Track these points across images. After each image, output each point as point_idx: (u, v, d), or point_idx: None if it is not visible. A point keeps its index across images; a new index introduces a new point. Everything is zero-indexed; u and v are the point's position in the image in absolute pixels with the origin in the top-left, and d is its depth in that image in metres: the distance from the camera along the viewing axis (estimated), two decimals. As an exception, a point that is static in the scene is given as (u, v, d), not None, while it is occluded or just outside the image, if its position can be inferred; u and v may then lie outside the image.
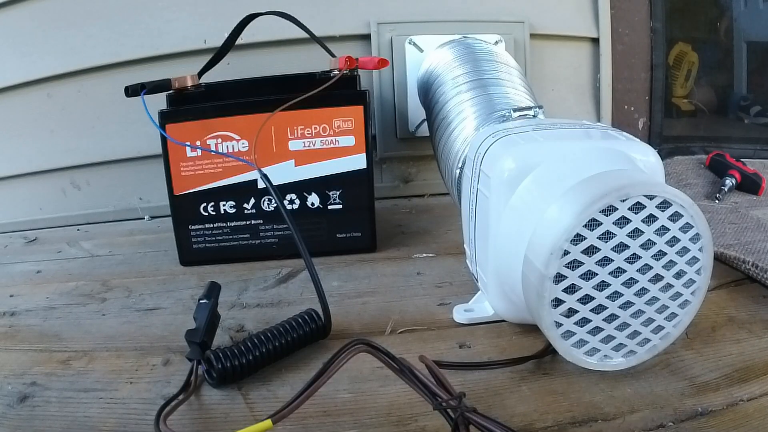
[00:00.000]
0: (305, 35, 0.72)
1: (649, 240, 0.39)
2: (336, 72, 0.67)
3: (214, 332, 0.49)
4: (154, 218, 0.93)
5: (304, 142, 0.67)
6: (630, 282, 0.40)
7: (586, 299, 0.40)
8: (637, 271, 0.40)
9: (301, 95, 0.63)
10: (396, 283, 0.62)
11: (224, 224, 0.69)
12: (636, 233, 0.39)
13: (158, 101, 0.66)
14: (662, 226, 0.39)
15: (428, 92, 0.80)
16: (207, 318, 0.48)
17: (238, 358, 0.44)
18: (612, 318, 0.41)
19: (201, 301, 0.50)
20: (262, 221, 0.69)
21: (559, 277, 0.39)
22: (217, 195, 0.68)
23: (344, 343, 0.39)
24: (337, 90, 0.66)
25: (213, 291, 0.52)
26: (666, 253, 0.40)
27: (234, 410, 0.42)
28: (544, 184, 0.44)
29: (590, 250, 0.39)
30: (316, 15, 0.88)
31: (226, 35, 0.73)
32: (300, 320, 0.49)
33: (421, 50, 0.90)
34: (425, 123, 0.88)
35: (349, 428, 0.39)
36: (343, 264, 0.68)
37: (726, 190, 0.85)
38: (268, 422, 0.35)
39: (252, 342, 0.46)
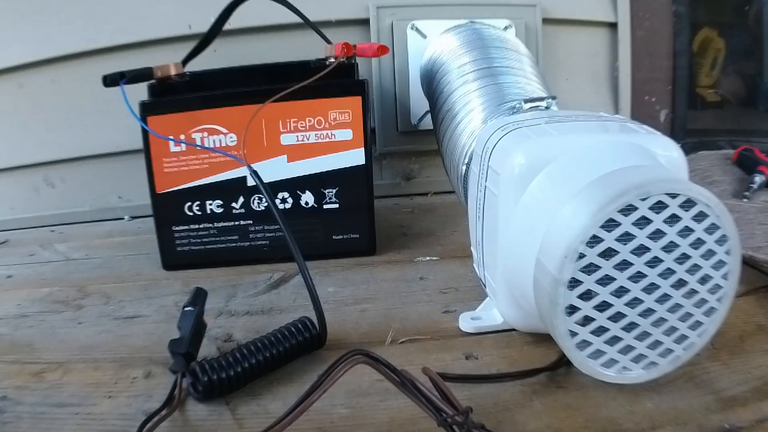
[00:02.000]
0: (299, 20, 0.72)
1: (671, 242, 0.39)
2: (332, 60, 0.67)
3: (200, 342, 0.49)
4: (135, 218, 0.93)
5: (297, 136, 0.67)
6: (651, 288, 0.40)
7: (604, 306, 0.40)
8: (658, 275, 0.40)
9: (294, 85, 0.63)
10: (397, 288, 0.63)
11: (211, 225, 0.69)
12: (657, 235, 0.39)
13: (139, 92, 0.66)
14: (686, 226, 0.39)
15: (432, 82, 0.80)
16: (192, 327, 0.48)
17: (225, 370, 0.44)
18: (631, 326, 0.41)
19: (186, 309, 0.50)
20: (251, 222, 0.69)
21: (573, 282, 0.39)
22: (203, 193, 0.68)
23: (341, 353, 0.39)
24: (334, 79, 0.66)
25: (198, 297, 0.52)
26: (690, 257, 0.40)
27: (221, 426, 0.42)
28: (557, 182, 0.44)
29: (608, 253, 0.39)
30: (311, -2, 0.88)
31: (213, 20, 0.73)
32: (293, 329, 0.49)
33: (425, 36, 0.91)
34: (429, 115, 0.88)
35: (346, 446, 0.40)
36: (339, 268, 0.68)
37: (755, 187, 0.85)
38: (259, 440, 0.36)
39: (241, 353, 0.46)
